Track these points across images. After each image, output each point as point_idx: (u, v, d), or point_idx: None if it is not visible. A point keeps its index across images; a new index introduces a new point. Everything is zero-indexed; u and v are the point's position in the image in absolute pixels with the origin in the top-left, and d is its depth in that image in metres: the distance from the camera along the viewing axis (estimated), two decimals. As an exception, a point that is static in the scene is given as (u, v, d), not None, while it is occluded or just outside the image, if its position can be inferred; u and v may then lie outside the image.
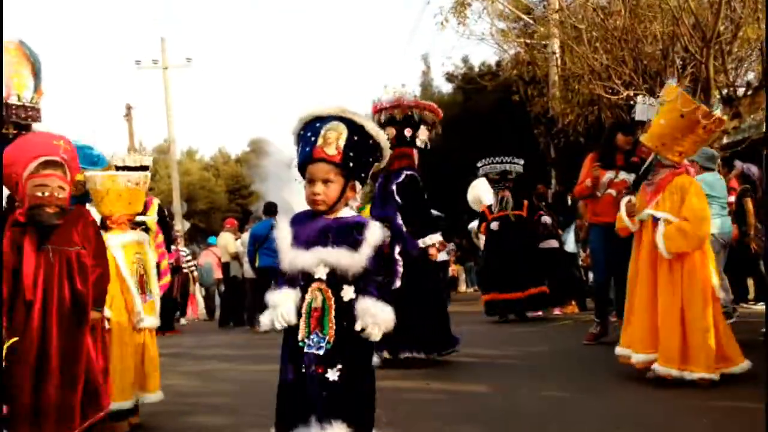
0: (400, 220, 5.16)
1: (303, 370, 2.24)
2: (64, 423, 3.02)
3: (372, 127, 2.41)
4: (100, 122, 56.17)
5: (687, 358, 3.99)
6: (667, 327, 4.07)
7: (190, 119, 61.69)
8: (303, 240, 2.31)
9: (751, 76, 11.15)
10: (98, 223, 3.58)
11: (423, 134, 5.32)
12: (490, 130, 15.87)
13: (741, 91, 10.33)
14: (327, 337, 2.25)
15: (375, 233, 2.32)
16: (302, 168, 2.41)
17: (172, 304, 11.27)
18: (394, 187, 5.21)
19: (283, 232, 2.36)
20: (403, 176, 5.22)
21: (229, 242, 11.81)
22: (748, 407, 3.51)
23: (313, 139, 2.36)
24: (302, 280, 2.30)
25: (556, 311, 8.96)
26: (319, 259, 2.28)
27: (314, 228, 2.34)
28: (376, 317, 2.24)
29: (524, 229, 8.34)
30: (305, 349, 2.25)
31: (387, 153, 2.46)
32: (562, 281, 9.15)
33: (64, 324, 3.11)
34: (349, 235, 2.31)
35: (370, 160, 2.43)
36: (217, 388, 5.13)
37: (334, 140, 2.34)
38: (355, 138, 2.36)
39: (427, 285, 5.24)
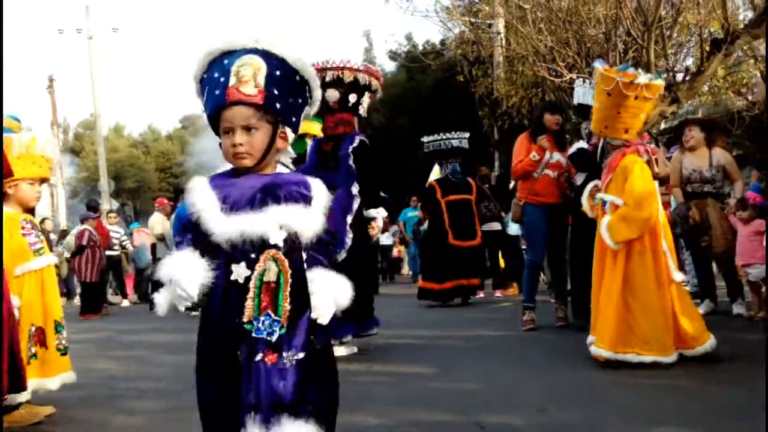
0: (355, 189, 4.97)
1: (242, 362, 1.83)
2: None
3: (297, 58, 1.98)
4: (21, 94, 53.59)
5: (630, 341, 4.03)
6: (604, 308, 4.14)
7: (117, 93, 59.62)
8: (242, 202, 1.88)
9: (689, 61, 11.60)
10: None
11: (366, 102, 5.21)
12: (434, 109, 15.98)
13: (680, 76, 10.73)
14: (281, 319, 1.86)
15: (323, 192, 1.98)
16: (215, 118, 1.95)
17: (96, 288, 11.03)
18: (349, 153, 5.01)
19: (204, 196, 1.90)
20: (357, 141, 5.05)
21: (155, 223, 11.64)
22: (685, 385, 3.67)
23: (222, 79, 1.92)
24: (254, 251, 1.87)
25: (498, 293, 9.18)
26: (277, 221, 1.87)
27: (252, 186, 1.91)
28: (334, 293, 1.95)
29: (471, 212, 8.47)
30: (253, 333, 1.83)
31: (318, 94, 2.05)
32: (504, 264, 9.39)
33: None
34: (299, 192, 1.94)
35: (299, 101, 2.00)
36: (149, 372, 5.03)
37: (251, 77, 1.91)
38: (278, 73, 1.94)
39: (366, 262, 5.14)
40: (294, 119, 1.99)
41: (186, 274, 1.81)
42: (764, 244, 5.60)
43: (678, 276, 4.14)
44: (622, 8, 10.35)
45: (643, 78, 4.07)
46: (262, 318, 1.85)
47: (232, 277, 1.86)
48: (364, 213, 5.06)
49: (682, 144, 6.16)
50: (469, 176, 8.77)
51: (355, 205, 4.96)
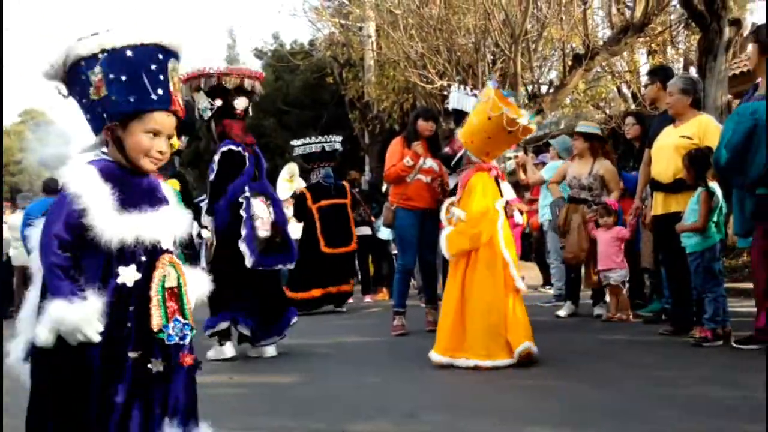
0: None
1: (155, 373, 1.84)
2: None
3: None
4: None
5: (461, 346, 4.27)
6: (442, 315, 4.44)
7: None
8: (136, 202, 1.85)
9: (553, 74, 12.36)
10: None
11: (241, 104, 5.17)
12: (303, 111, 15.88)
13: (544, 89, 11.41)
14: (190, 322, 1.92)
15: (172, 196, 2.05)
16: (137, 109, 1.89)
17: None
18: (253, 161, 5.06)
19: (95, 189, 1.82)
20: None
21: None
22: (553, 385, 3.82)
23: (161, 77, 1.89)
24: (145, 254, 1.87)
25: (367, 299, 9.21)
26: (169, 224, 1.93)
27: (144, 187, 1.93)
28: (204, 291, 2.03)
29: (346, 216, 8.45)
30: (166, 341, 1.86)
31: None
32: (374, 268, 9.44)
33: None
34: (166, 196, 2.00)
35: None
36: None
37: (178, 88, 1.95)
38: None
39: None
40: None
41: (90, 324, 1.74)
42: (622, 249, 5.99)
43: (521, 285, 4.38)
44: (490, 20, 10.82)
45: (524, 120, 4.39)
46: (171, 324, 1.86)
47: (119, 280, 1.82)
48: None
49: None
50: (341, 181, 8.74)
51: None
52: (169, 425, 1.84)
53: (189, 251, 5.85)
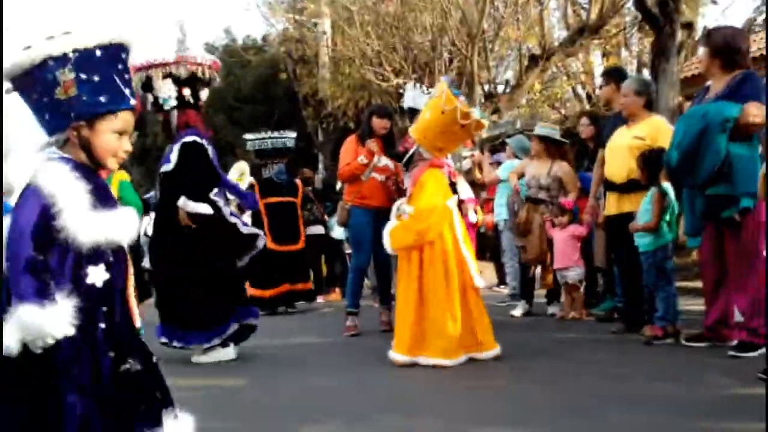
0: None
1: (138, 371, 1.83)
2: None
3: None
4: None
5: (422, 345, 4.25)
6: (401, 313, 4.39)
7: None
8: (102, 202, 1.83)
9: (509, 74, 12.47)
10: None
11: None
12: (255, 107, 15.67)
13: (501, 88, 11.50)
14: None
15: None
16: (104, 108, 1.85)
17: None
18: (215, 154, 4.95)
19: (73, 189, 1.78)
20: None
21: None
22: (502, 385, 3.82)
23: (127, 77, 1.90)
24: (112, 254, 1.85)
25: (320, 299, 9.11)
26: (130, 226, 1.91)
27: (105, 187, 1.94)
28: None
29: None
30: (142, 338, 1.92)
31: None
32: (326, 268, 9.34)
33: None
34: None
35: None
36: None
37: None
38: None
39: None
40: None
41: (61, 329, 1.68)
42: (579, 247, 6.03)
43: (479, 282, 4.44)
44: (447, 18, 10.84)
45: (477, 114, 4.44)
46: (138, 324, 1.91)
47: (89, 281, 1.79)
48: None
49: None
50: (294, 178, 8.63)
51: None
52: (167, 415, 1.88)
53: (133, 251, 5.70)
